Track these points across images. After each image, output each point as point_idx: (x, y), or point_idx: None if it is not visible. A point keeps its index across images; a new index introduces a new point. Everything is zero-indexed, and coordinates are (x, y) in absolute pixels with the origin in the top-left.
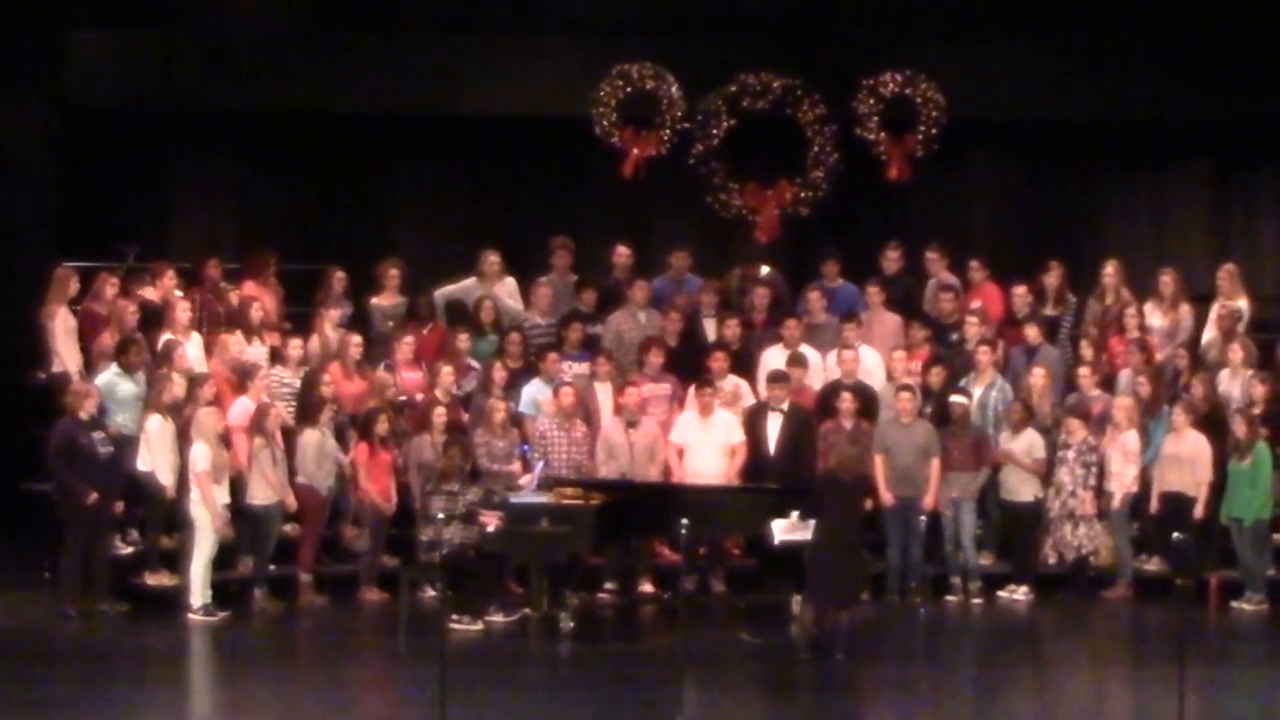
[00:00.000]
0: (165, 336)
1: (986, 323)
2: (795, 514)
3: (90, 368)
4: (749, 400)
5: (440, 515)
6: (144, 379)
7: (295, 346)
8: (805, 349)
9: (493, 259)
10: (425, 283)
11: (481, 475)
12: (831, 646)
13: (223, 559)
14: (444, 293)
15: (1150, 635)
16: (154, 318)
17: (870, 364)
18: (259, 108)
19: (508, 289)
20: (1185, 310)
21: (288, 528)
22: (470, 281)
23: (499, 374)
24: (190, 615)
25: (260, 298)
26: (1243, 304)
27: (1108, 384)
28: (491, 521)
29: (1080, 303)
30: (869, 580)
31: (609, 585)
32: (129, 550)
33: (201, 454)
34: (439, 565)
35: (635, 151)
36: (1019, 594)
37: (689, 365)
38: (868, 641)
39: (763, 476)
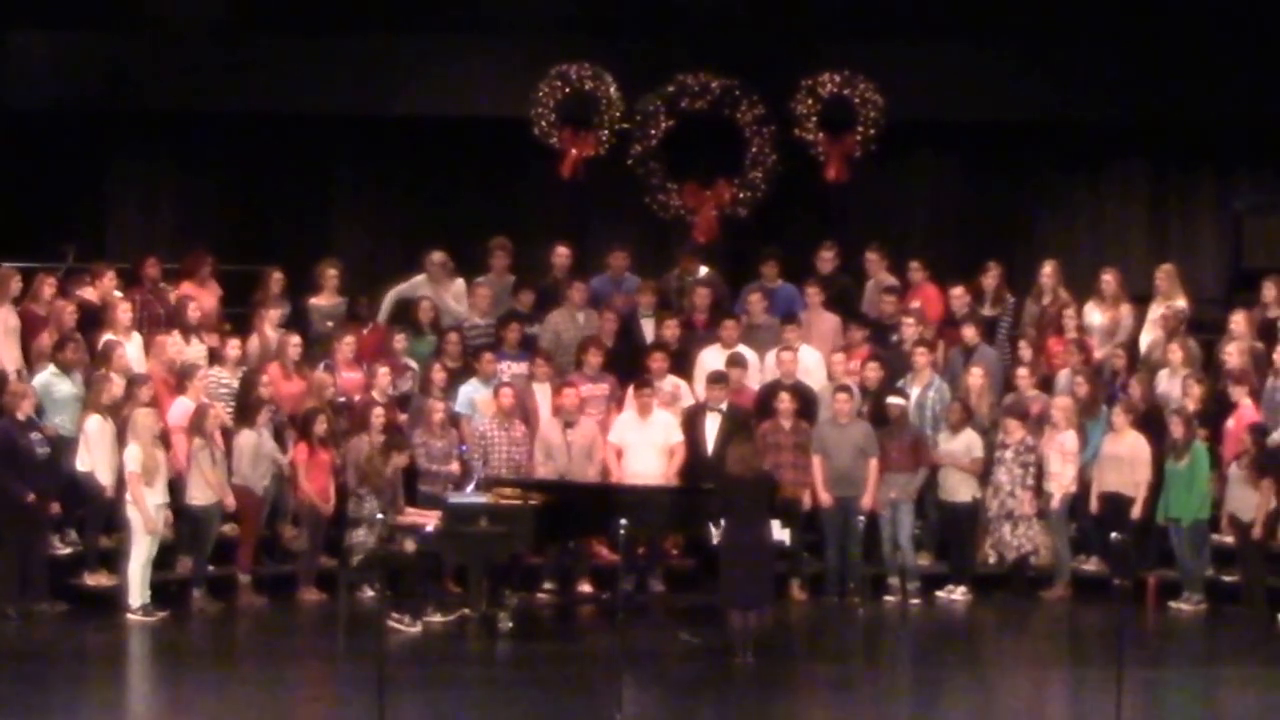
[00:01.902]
0: (106, 337)
1: (924, 323)
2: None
3: (30, 368)
4: (688, 401)
5: (359, 518)
6: (81, 379)
7: (234, 347)
8: (743, 349)
9: (441, 259)
10: (363, 283)
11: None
12: (742, 649)
13: (162, 559)
14: (397, 292)
15: (1088, 635)
16: (93, 318)
17: (809, 364)
18: (197, 108)
19: (455, 290)
20: (1126, 309)
21: (226, 528)
22: (420, 279)
23: (438, 374)
24: (129, 615)
25: (198, 298)
26: (1183, 304)
27: (1046, 384)
28: (430, 522)
29: (1018, 303)
30: (774, 580)
31: (547, 585)
32: (68, 550)
33: (133, 455)
34: (369, 566)
35: (574, 152)
36: (957, 594)
37: (627, 365)
38: (807, 641)
39: (701, 477)
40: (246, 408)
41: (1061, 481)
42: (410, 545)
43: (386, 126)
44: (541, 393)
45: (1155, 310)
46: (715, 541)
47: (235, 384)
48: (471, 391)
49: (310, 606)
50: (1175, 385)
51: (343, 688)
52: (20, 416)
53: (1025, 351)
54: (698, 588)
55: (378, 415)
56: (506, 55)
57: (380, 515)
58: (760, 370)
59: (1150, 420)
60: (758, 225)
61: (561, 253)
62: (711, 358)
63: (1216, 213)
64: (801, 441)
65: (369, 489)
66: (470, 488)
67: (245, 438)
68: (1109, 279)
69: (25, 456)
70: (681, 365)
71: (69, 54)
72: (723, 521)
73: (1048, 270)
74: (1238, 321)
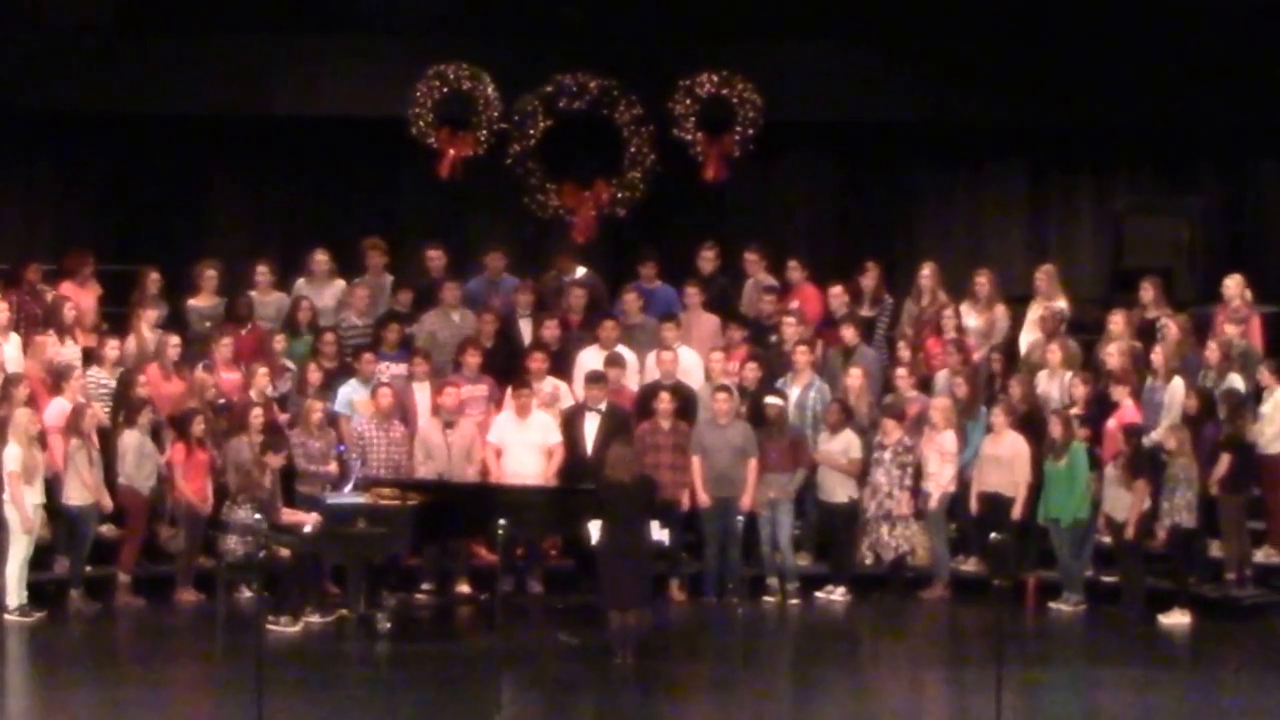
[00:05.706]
0: None
1: (804, 323)
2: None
3: None
4: (567, 401)
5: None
6: None
7: (112, 347)
8: (622, 349)
9: (322, 259)
10: (241, 284)
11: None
12: (621, 649)
13: (38, 560)
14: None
15: (968, 636)
16: None
17: (688, 364)
18: (74, 109)
19: (336, 291)
20: (1000, 310)
21: (104, 529)
22: (300, 282)
23: (314, 375)
24: (6, 616)
25: (76, 298)
26: (1063, 305)
27: (925, 385)
28: (308, 523)
29: (896, 304)
30: (653, 581)
31: (426, 586)
32: None
33: (12, 455)
34: (244, 568)
35: (452, 152)
36: (836, 594)
37: (505, 366)
38: (686, 642)
39: (580, 477)
40: (126, 408)
41: (940, 481)
42: (285, 552)
43: (263, 127)
44: (421, 393)
45: (1035, 311)
46: (594, 542)
47: (113, 384)
48: (350, 392)
49: (188, 607)
50: (1055, 386)
51: (221, 688)
52: None
53: (904, 352)
54: (576, 588)
55: (256, 416)
56: (384, 55)
57: (256, 516)
58: (639, 371)
59: (1030, 421)
60: (637, 225)
61: (434, 255)
62: (590, 358)
63: (1096, 213)
64: (680, 442)
65: (246, 498)
66: (348, 488)
67: (129, 438)
68: (983, 281)
69: None
70: (560, 366)
71: None
72: (601, 523)
73: (926, 272)
74: (1116, 322)
